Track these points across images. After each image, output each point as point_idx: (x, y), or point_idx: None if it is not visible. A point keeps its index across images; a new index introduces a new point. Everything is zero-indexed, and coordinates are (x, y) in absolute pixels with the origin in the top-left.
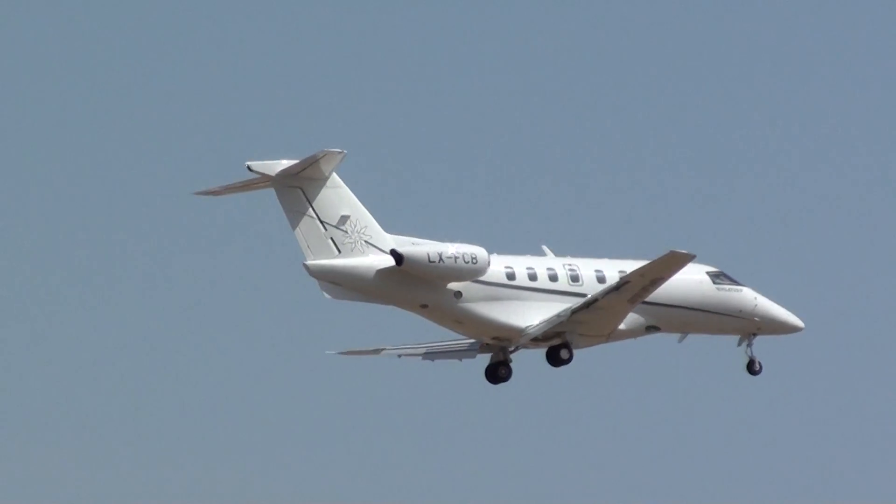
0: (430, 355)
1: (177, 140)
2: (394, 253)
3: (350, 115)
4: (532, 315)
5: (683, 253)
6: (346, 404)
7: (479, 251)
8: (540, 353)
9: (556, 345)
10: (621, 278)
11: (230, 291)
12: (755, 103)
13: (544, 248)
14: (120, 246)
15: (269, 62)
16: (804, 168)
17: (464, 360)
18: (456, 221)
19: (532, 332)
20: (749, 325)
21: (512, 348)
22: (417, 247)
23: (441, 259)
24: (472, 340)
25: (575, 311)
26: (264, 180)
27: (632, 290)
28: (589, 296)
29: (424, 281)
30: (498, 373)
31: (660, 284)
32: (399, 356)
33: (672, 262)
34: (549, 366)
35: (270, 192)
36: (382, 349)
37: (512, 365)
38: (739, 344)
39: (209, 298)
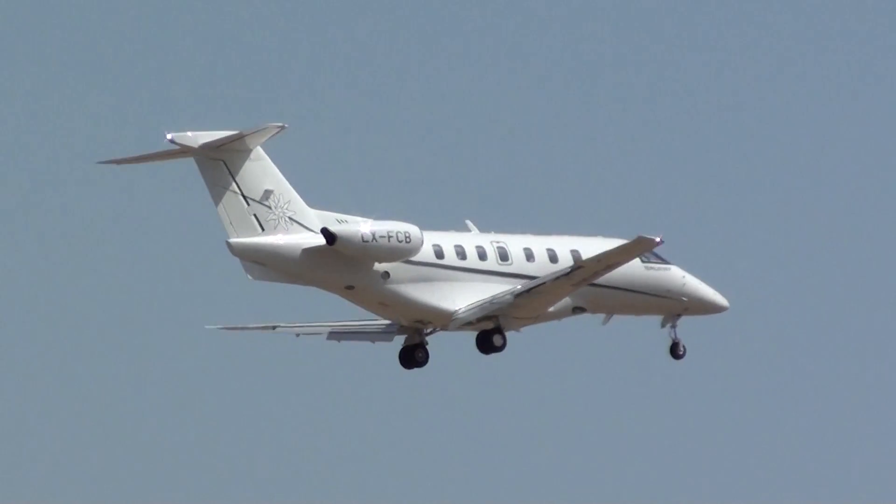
0: (337, 335)
1: (81, 112)
2: (325, 232)
3: (264, 85)
4: (463, 297)
5: (651, 238)
6: (219, 387)
7: (413, 229)
8: (459, 334)
9: (488, 329)
10: (575, 263)
11: (133, 267)
12: (680, 72)
13: (468, 223)
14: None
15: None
16: (732, 141)
17: (377, 343)
18: (372, 194)
19: (464, 317)
20: (676, 306)
21: (428, 330)
22: (350, 225)
23: (374, 238)
24: (389, 321)
25: (519, 296)
26: (184, 152)
27: (583, 275)
28: (538, 279)
29: (353, 261)
30: (415, 357)
31: (612, 269)
32: (297, 335)
33: (637, 248)
34: (467, 348)
35: (176, 163)
36: (277, 326)
37: (428, 348)
38: (663, 325)
39: (109, 275)
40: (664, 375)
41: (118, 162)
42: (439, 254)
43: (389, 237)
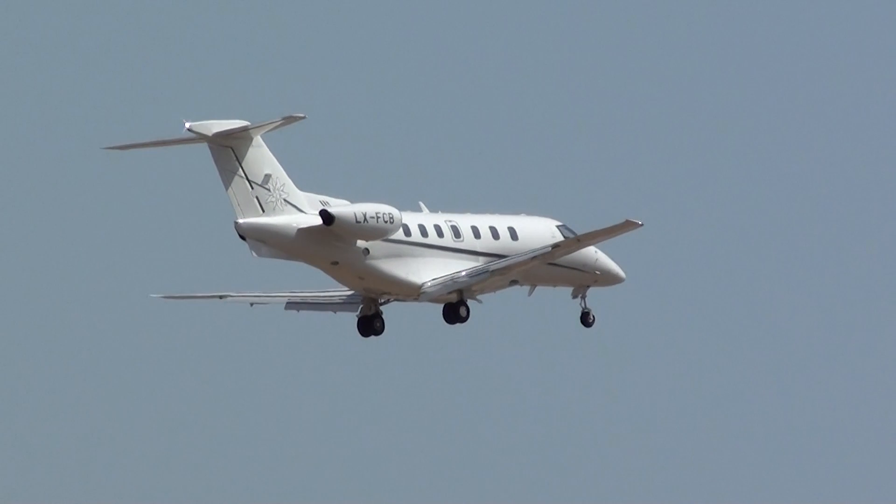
0: (295, 305)
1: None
2: (324, 213)
3: (233, 70)
4: (427, 271)
5: (635, 221)
6: (157, 355)
7: (394, 210)
8: (411, 305)
9: (454, 302)
10: (555, 243)
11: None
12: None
13: (420, 203)
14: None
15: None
16: (628, 113)
17: (339, 313)
18: (333, 178)
19: (433, 291)
20: (588, 278)
21: (383, 301)
22: (344, 207)
23: (366, 219)
24: (351, 292)
25: (494, 272)
26: (199, 139)
27: (555, 255)
28: (512, 256)
29: (342, 239)
30: (373, 326)
31: (580, 249)
32: (251, 304)
33: (622, 230)
34: (416, 318)
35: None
36: (226, 295)
37: (384, 317)
38: (574, 296)
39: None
40: (578, 341)
41: (123, 148)
42: (407, 232)
43: (377, 218)
